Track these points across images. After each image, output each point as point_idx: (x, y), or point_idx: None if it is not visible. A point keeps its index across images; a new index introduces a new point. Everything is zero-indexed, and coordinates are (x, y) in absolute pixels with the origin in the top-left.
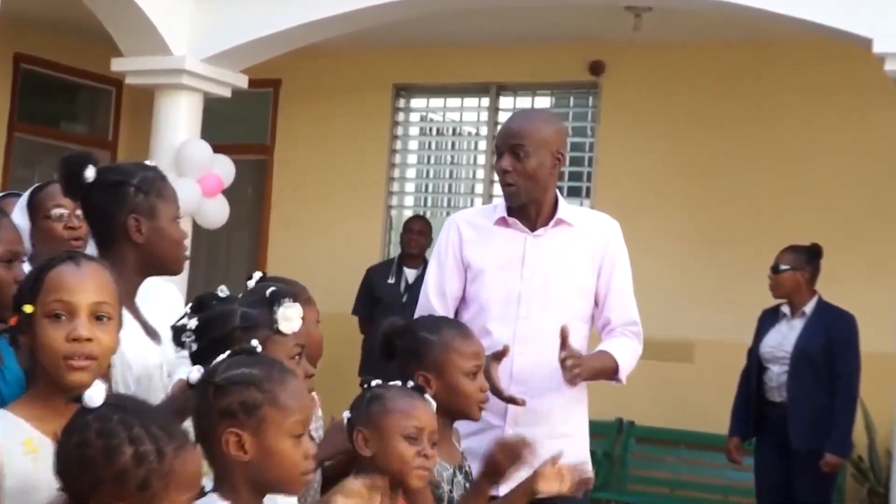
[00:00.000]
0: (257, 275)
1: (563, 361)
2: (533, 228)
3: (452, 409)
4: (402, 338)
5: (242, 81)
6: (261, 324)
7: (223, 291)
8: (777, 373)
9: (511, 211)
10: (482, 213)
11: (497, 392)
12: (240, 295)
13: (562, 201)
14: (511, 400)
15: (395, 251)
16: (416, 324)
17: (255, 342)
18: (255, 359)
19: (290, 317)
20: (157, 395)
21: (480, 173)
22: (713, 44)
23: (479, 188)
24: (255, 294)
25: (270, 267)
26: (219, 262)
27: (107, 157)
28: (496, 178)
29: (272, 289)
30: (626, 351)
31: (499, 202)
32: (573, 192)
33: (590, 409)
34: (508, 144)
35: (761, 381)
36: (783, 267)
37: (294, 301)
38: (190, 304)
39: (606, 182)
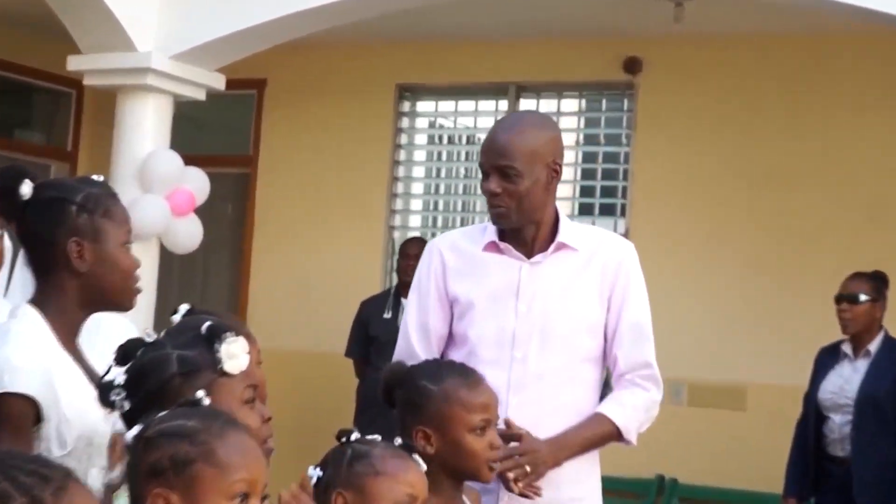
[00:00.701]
0: (183, 307)
1: (502, 473)
2: (529, 254)
3: (458, 470)
4: (401, 386)
5: (219, 82)
6: (202, 366)
7: (149, 335)
8: (839, 423)
9: (503, 234)
10: (469, 236)
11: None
12: (162, 333)
13: (564, 220)
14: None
15: (396, 279)
16: (415, 371)
17: (200, 393)
18: (196, 410)
19: (235, 353)
20: (102, 452)
21: None
22: (768, 37)
23: None
24: (186, 332)
25: (253, 298)
26: (193, 292)
27: (65, 169)
28: None
29: (209, 323)
30: (629, 406)
31: (487, 223)
32: (606, 211)
33: (625, 464)
34: (494, 165)
35: (820, 433)
36: (864, 297)
37: (237, 334)
38: (113, 356)
39: (644, 199)
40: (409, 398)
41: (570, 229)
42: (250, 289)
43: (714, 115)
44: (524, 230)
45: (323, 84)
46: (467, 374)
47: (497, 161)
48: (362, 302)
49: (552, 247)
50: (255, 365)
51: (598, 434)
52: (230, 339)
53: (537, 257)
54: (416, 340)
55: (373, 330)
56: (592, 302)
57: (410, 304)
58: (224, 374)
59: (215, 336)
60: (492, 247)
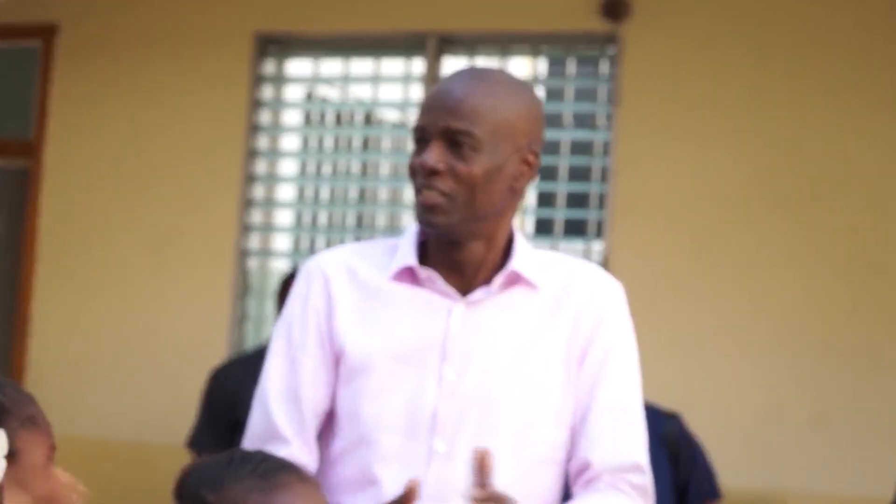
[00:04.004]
0: None
1: None
2: (466, 289)
3: None
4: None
5: None
6: None
7: None
8: None
9: (426, 255)
10: (369, 256)
11: None
12: None
13: (521, 243)
14: None
15: (254, 332)
16: (197, 471)
17: None
18: None
19: None
20: None
21: (409, 191)
22: None
23: (405, 220)
24: None
25: (36, 359)
26: None
27: None
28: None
29: None
30: None
31: (401, 239)
32: (573, 229)
33: None
34: (440, 127)
35: None
36: None
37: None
38: None
39: (631, 212)
40: None
41: (529, 256)
42: (31, 344)
43: (745, 84)
44: (465, 248)
45: (144, 34)
46: (269, 474)
47: (446, 121)
48: (217, 370)
49: (501, 278)
50: (43, 465)
51: None
52: None
53: (478, 293)
54: (279, 414)
55: (241, 411)
56: (558, 371)
57: (274, 358)
58: None
59: None
60: (406, 275)
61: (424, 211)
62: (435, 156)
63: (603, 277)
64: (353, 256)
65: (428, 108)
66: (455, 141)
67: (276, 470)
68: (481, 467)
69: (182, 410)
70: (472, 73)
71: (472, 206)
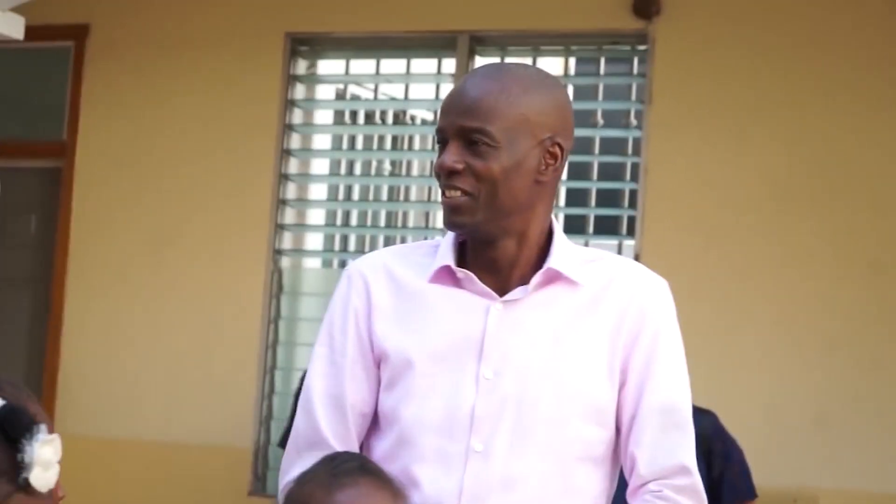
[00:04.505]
0: None
1: None
2: (503, 289)
3: None
4: None
5: (15, 27)
6: None
7: None
8: None
9: (463, 256)
10: (408, 258)
11: None
12: None
13: (560, 238)
14: None
15: (286, 331)
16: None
17: None
18: None
19: (48, 461)
20: None
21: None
22: None
23: (437, 217)
24: None
25: (67, 361)
26: None
27: None
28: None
29: (3, 403)
30: None
31: (438, 241)
32: (604, 227)
33: None
34: (456, 127)
35: None
36: None
37: (51, 432)
38: None
39: (663, 211)
40: None
41: (568, 252)
42: (62, 346)
43: (777, 82)
44: (497, 246)
45: (175, 35)
46: (340, 473)
47: (461, 120)
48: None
49: (539, 277)
50: None
51: None
52: (43, 435)
53: (515, 292)
54: (323, 419)
55: None
56: (599, 368)
57: (316, 363)
58: (26, 489)
59: (22, 427)
60: (444, 275)
61: (450, 211)
62: (453, 156)
63: (647, 275)
64: (392, 259)
65: (445, 109)
66: (471, 140)
67: (349, 470)
68: None
69: (213, 409)
70: (486, 71)
71: (496, 203)
